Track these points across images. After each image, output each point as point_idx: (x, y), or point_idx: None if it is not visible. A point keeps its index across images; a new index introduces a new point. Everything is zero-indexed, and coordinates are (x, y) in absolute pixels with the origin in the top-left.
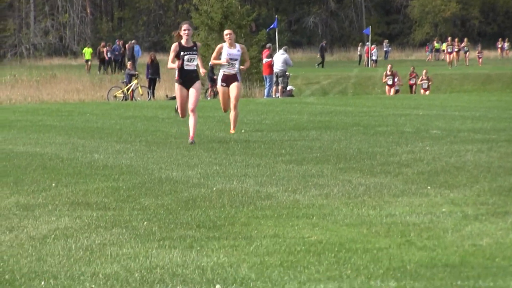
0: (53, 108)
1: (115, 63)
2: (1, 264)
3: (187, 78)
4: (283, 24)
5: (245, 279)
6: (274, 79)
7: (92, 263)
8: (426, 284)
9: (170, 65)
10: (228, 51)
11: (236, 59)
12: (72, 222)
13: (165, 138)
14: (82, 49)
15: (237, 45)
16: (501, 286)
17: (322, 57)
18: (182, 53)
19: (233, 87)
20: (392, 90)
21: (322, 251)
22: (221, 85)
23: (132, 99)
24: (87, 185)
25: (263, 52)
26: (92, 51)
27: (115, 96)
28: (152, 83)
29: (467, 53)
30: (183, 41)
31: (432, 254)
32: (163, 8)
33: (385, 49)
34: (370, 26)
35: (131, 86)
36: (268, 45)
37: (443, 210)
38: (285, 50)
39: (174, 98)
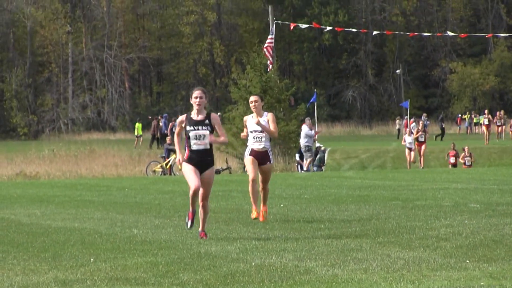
0: (91, 183)
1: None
2: None
3: (197, 160)
4: (322, 98)
5: None
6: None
7: None
8: None
9: (176, 143)
10: (252, 122)
11: (262, 131)
12: None
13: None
14: (135, 124)
15: (265, 113)
16: None
17: (442, 129)
18: (188, 128)
19: (263, 170)
20: (423, 146)
21: None
22: (247, 157)
23: (170, 174)
24: (126, 260)
25: (302, 126)
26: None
27: (154, 171)
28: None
29: (504, 126)
30: (193, 112)
31: None
32: (201, 83)
33: (424, 122)
34: (409, 100)
35: (169, 160)
36: (306, 119)
37: (482, 284)
38: (305, 122)
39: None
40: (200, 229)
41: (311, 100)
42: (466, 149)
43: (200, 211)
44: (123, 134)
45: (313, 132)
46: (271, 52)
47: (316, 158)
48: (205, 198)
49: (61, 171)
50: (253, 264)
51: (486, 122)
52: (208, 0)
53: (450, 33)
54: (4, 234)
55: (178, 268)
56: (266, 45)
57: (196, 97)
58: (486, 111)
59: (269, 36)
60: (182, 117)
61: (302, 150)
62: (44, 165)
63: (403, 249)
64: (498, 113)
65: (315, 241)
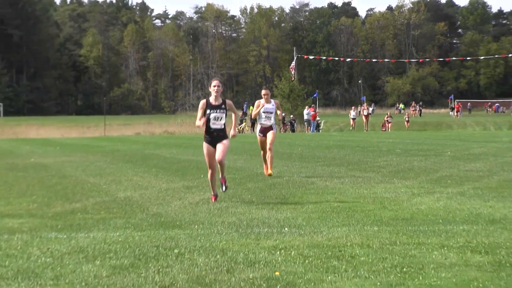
0: (201, 137)
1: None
2: (175, 216)
3: (214, 136)
4: (320, 94)
5: (300, 225)
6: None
7: (221, 216)
8: (393, 228)
9: (197, 122)
10: (265, 105)
11: (271, 112)
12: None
13: (258, 151)
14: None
15: (272, 100)
16: (429, 230)
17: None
18: (208, 111)
19: (269, 134)
20: (367, 118)
21: (339, 211)
22: (259, 135)
23: (243, 132)
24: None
25: (310, 109)
26: None
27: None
28: (253, 124)
29: (415, 111)
30: (211, 98)
31: (396, 213)
32: (259, 86)
33: (372, 108)
34: (365, 96)
35: (241, 125)
36: (312, 105)
37: (402, 190)
38: (307, 107)
39: None
40: (220, 175)
41: (314, 95)
42: (388, 113)
43: (219, 167)
44: None
45: (309, 111)
46: (294, 70)
47: (315, 125)
48: (222, 156)
49: (186, 130)
50: (284, 179)
51: (406, 117)
52: (262, 43)
53: (386, 60)
54: (156, 162)
55: (245, 181)
56: (291, 66)
57: (214, 86)
58: (402, 105)
59: (293, 62)
60: (202, 102)
61: (305, 121)
62: (177, 127)
63: (361, 172)
64: (413, 103)
65: (316, 167)
